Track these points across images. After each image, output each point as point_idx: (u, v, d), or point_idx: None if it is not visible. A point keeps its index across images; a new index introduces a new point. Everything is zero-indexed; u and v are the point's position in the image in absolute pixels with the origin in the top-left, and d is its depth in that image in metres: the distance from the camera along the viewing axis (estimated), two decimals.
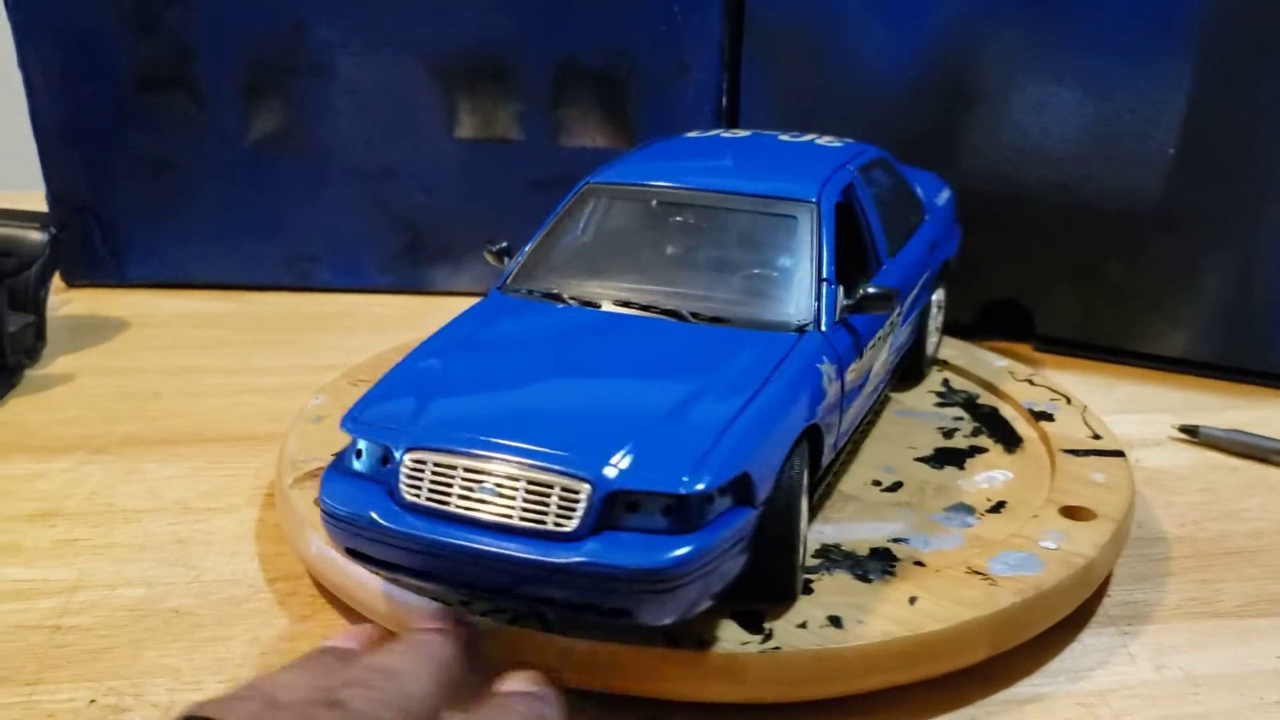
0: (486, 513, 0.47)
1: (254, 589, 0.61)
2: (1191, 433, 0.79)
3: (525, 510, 0.47)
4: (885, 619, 0.52)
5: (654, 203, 0.65)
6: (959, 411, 0.74)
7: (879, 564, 0.57)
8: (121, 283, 1.03)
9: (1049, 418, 0.71)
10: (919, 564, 0.57)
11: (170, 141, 0.99)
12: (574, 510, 0.46)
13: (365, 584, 0.55)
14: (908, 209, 0.74)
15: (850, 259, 0.65)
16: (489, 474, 0.47)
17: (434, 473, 0.48)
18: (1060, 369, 0.90)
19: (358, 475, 0.51)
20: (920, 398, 0.77)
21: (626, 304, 0.59)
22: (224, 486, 0.71)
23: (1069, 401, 0.74)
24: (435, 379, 0.53)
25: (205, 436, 0.77)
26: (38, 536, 0.65)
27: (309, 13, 0.95)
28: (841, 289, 0.59)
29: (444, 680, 0.45)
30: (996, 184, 0.89)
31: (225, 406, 0.82)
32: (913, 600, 0.53)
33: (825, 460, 0.59)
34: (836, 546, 0.59)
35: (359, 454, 0.51)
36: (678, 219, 0.64)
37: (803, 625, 0.51)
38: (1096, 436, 0.68)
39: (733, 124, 0.95)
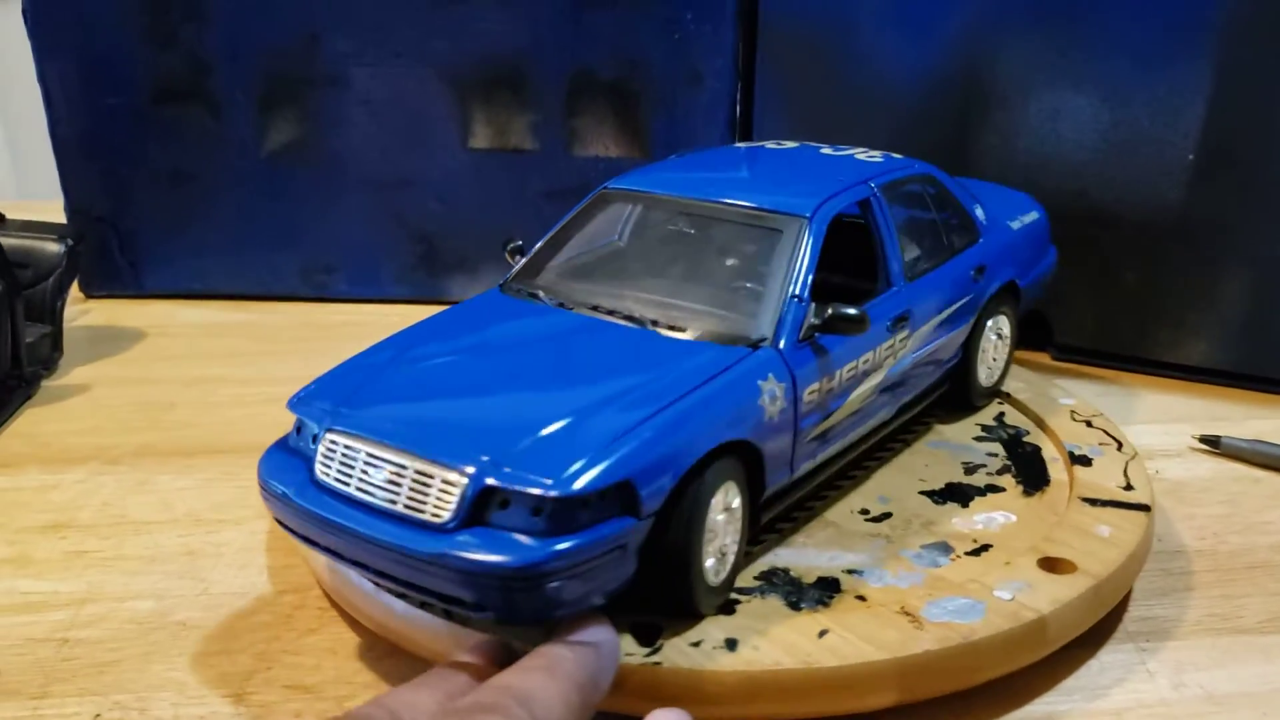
0: (378, 498, 0.49)
1: (262, 602, 0.60)
2: (1213, 443, 0.77)
3: (410, 499, 0.48)
4: (783, 648, 0.50)
5: (656, 211, 0.65)
6: (995, 448, 0.70)
7: (818, 593, 0.55)
8: (139, 293, 1.04)
9: (1086, 462, 0.66)
10: (860, 598, 0.55)
11: (187, 153, 0.99)
12: (449, 502, 0.47)
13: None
14: (951, 230, 0.70)
15: (856, 278, 0.65)
16: (385, 461, 0.49)
17: (342, 455, 0.50)
18: (1079, 378, 0.89)
19: (293, 452, 0.54)
20: (964, 429, 0.73)
21: (595, 308, 0.60)
22: (236, 498, 0.71)
23: (1120, 447, 0.68)
24: (379, 369, 0.56)
25: (219, 448, 0.77)
26: (49, 548, 0.65)
27: (324, 25, 0.95)
28: (814, 307, 0.57)
29: (579, 702, 0.42)
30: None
31: (240, 417, 0.82)
32: (822, 633, 0.51)
33: (774, 481, 0.57)
34: (785, 571, 0.57)
35: (298, 431, 0.54)
36: (673, 228, 0.65)
37: (696, 644, 0.51)
38: (1128, 487, 0.64)
39: (745, 133, 0.95)
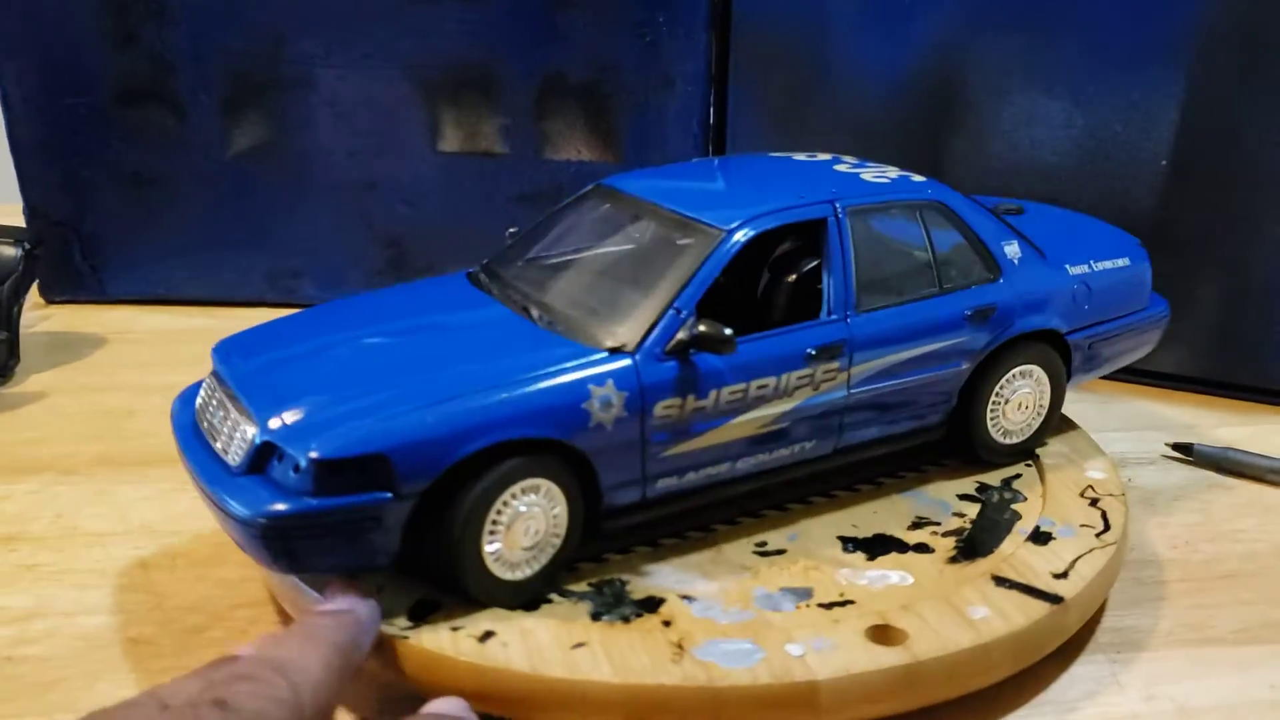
0: (216, 438, 0.54)
1: (216, 616, 0.59)
2: (1185, 450, 0.77)
3: (226, 443, 0.53)
4: (530, 652, 0.50)
5: (619, 210, 0.64)
6: (970, 509, 0.64)
7: (631, 609, 0.55)
8: (101, 299, 1.02)
9: (1044, 540, 0.60)
10: (666, 623, 0.53)
11: (150, 155, 0.98)
12: (242, 451, 0.52)
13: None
14: (948, 265, 0.64)
15: (788, 302, 0.63)
16: (227, 405, 0.55)
17: (207, 394, 0.57)
18: None
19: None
20: (955, 485, 0.66)
21: (507, 297, 0.61)
22: (194, 508, 0.68)
23: (1101, 532, 0.60)
24: (286, 329, 0.61)
25: (177, 456, 0.75)
26: None
27: (290, 25, 0.94)
28: (691, 321, 0.55)
29: (338, 666, 0.45)
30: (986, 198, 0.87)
31: None
32: (578, 645, 0.51)
33: (616, 493, 0.56)
34: (621, 583, 0.57)
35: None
36: (624, 228, 0.64)
37: (456, 629, 0.52)
38: (1061, 575, 0.57)
39: (719, 138, 0.94)
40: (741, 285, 0.67)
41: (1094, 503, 0.63)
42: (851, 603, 0.55)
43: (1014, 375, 0.67)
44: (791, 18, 0.89)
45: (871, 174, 0.66)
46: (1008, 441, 0.68)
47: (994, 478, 0.67)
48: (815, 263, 0.63)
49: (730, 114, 0.94)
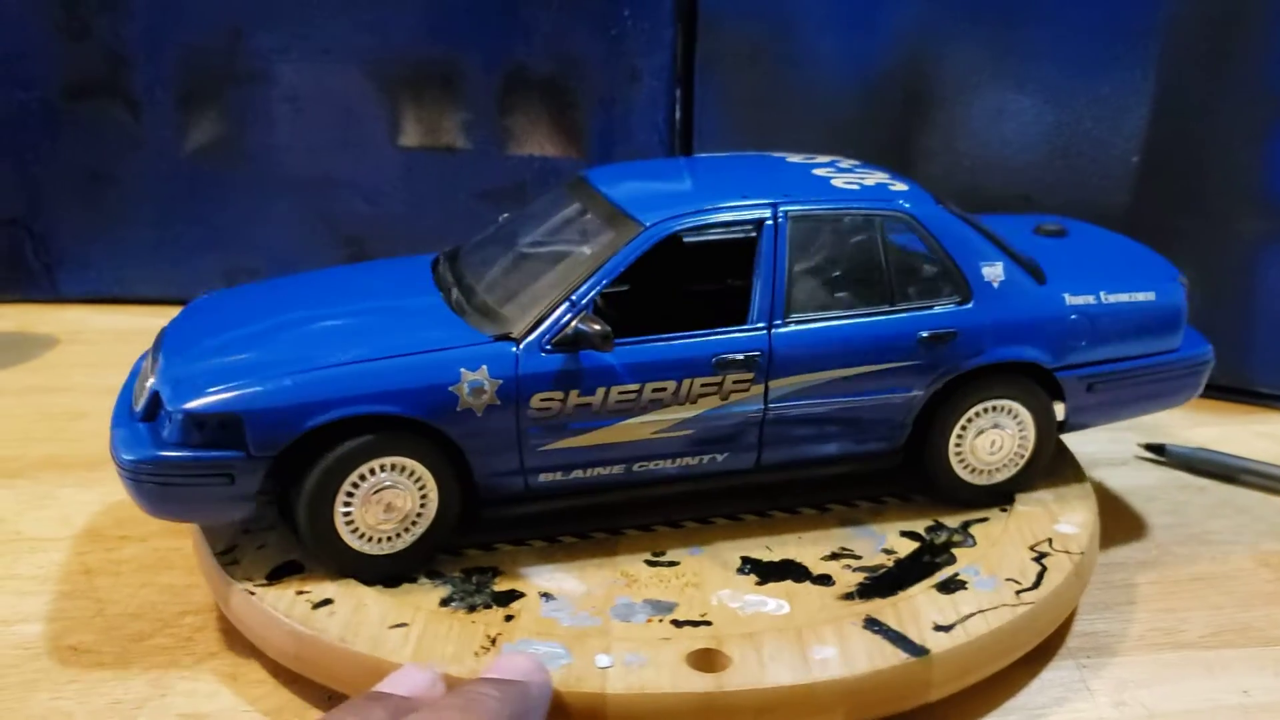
0: (138, 390, 0.58)
1: (161, 623, 0.57)
2: (1158, 451, 0.76)
3: (139, 393, 0.57)
4: (347, 624, 0.52)
5: (580, 202, 0.63)
6: (900, 545, 0.59)
7: (482, 600, 0.54)
8: (54, 298, 0.99)
9: (954, 588, 0.55)
10: (508, 618, 0.53)
11: (105, 152, 0.95)
12: (143, 399, 0.56)
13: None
14: (903, 282, 0.60)
15: (719, 305, 0.60)
16: (152, 360, 0.58)
17: (150, 351, 0.60)
18: None
19: None
20: (906, 521, 0.62)
21: (443, 280, 0.62)
22: (140, 514, 0.66)
23: (1023, 590, 0.55)
24: (237, 296, 0.66)
25: None
26: None
27: (247, 19, 0.91)
28: (583, 316, 0.55)
29: None
30: (956, 195, 0.85)
31: None
32: (398, 625, 0.52)
33: (493, 480, 0.56)
34: (493, 573, 0.56)
35: None
36: (573, 221, 0.62)
37: (301, 593, 0.54)
38: (942, 628, 0.52)
39: (685, 133, 0.92)
40: (686, 285, 0.65)
41: (1040, 558, 0.58)
42: (708, 624, 0.53)
43: (984, 410, 0.61)
44: (758, 12, 0.88)
45: (846, 180, 0.62)
46: (977, 481, 0.63)
47: (957, 518, 0.62)
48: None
49: (697, 109, 0.92)
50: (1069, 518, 0.61)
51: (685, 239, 0.66)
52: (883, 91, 0.86)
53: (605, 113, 0.93)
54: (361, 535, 0.55)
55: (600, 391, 0.55)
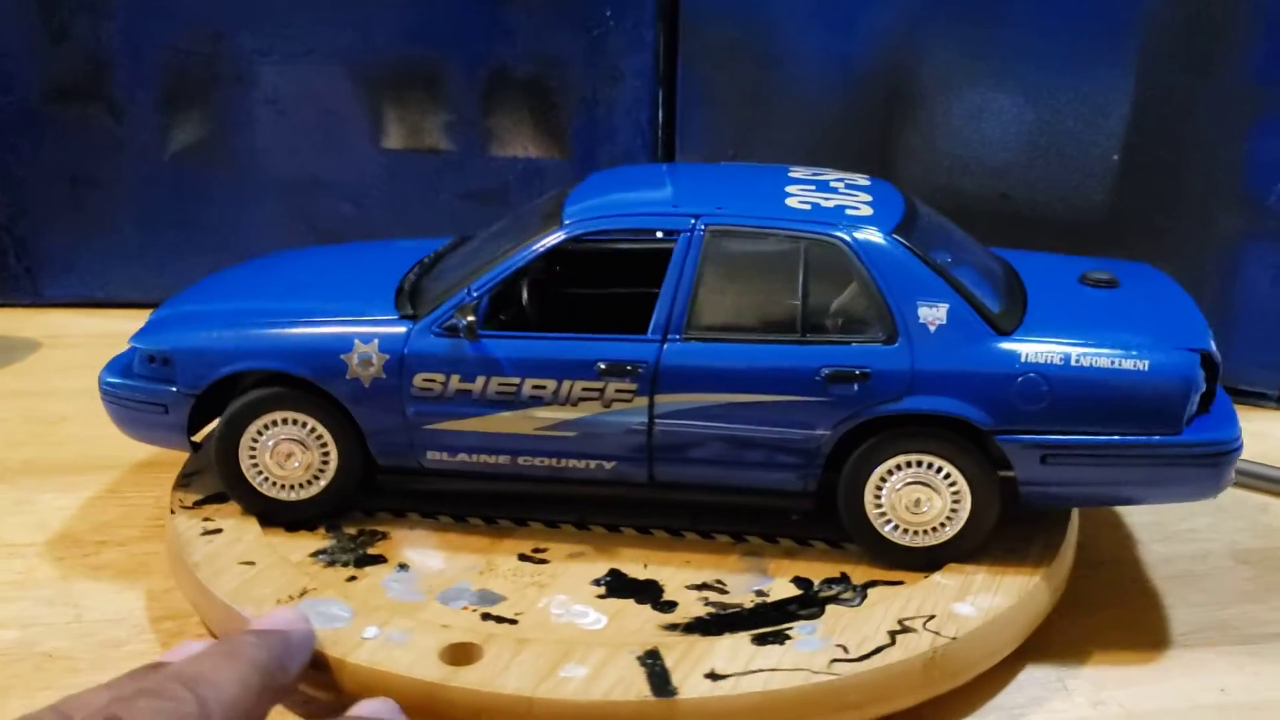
0: None
1: (137, 629, 0.57)
2: None
3: None
4: (213, 555, 0.58)
5: (542, 200, 0.65)
6: (781, 590, 0.57)
7: (348, 558, 0.59)
8: (37, 302, 0.99)
9: (773, 641, 0.52)
10: (350, 579, 0.57)
11: (87, 155, 0.95)
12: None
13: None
14: (818, 315, 0.57)
15: (631, 312, 0.59)
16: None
17: None
18: None
19: None
20: (817, 565, 0.59)
21: (419, 262, 0.66)
22: (120, 517, 0.67)
23: (837, 661, 0.51)
24: (263, 261, 0.74)
25: (108, 464, 0.73)
26: None
27: (228, 21, 0.91)
28: (460, 307, 0.58)
29: (257, 686, 0.43)
30: (936, 194, 0.85)
31: None
32: (246, 564, 0.57)
33: (385, 451, 0.60)
34: (380, 537, 0.61)
35: None
36: (528, 215, 0.64)
37: (205, 519, 0.61)
38: (714, 676, 0.50)
39: (669, 133, 0.92)
40: (617, 289, 0.67)
41: (897, 633, 0.53)
42: (513, 622, 0.54)
43: (907, 463, 0.57)
44: (740, 12, 0.87)
45: (813, 199, 0.60)
46: (904, 543, 0.58)
47: (871, 576, 0.58)
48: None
49: (680, 109, 0.92)
50: (981, 599, 0.55)
51: (628, 244, 0.68)
52: (864, 90, 0.86)
53: (588, 113, 0.93)
54: (267, 480, 0.61)
55: (480, 380, 0.58)
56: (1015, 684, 0.55)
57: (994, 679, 0.55)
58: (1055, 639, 0.57)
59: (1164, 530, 0.67)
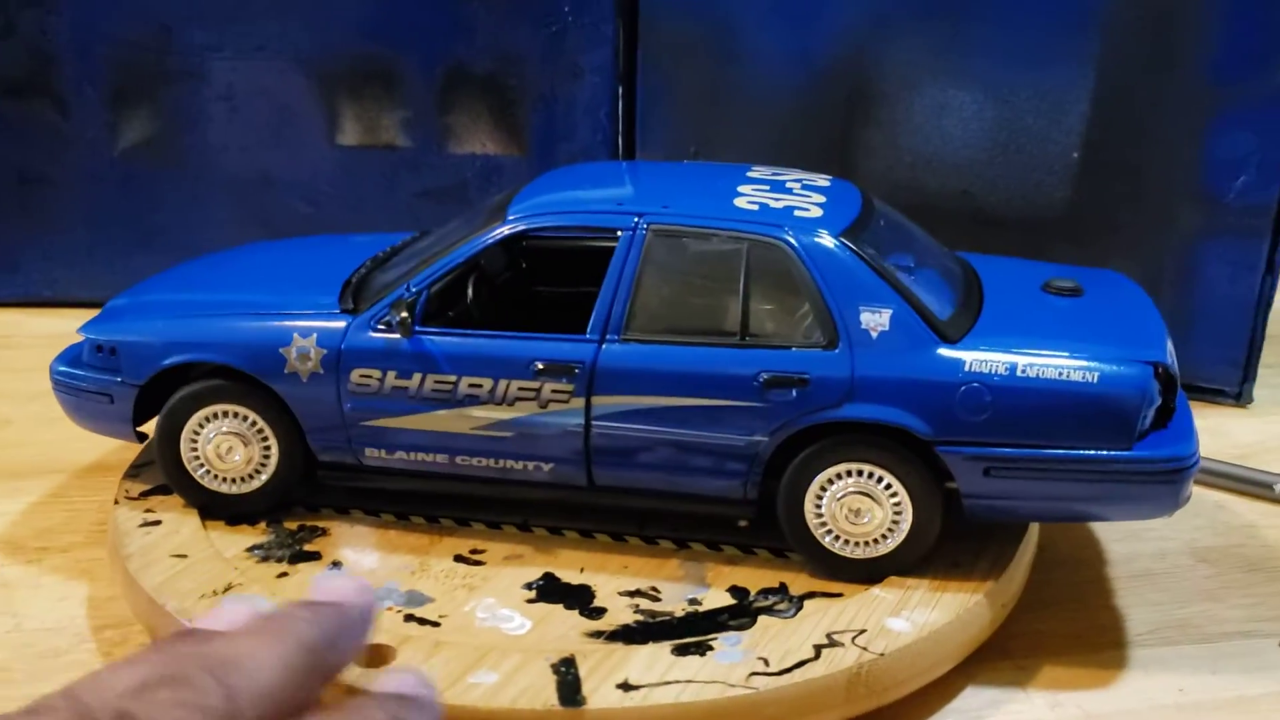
0: None
1: (78, 638, 0.55)
2: None
3: None
4: (147, 547, 0.57)
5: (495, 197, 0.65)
6: (715, 600, 0.55)
7: (282, 554, 0.58)
8: None
9: (692, 652, 0.51)
10: (281, 575, 0.57)
11: (33, 152, 0.93)
12: None
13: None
14: (757, 317, 0.56)
15: (571, 311, 0.59)
16: None
17: None
18: None
19: None
20: (758, 574, 0.57)
21: (373, 257, 0.66)
22: (64, 523, 0.65)
23: (755, 675, 0.49)
24: (203, 261, 0.73)
25: (52, 467, 0.71)
26: None
27: (177, 15, 0.89)
28: (395, 302, 0.58)
29: (303, 668, 0.37)
30: (897, 191, 0.85)
31: (81, 434, 0.75)
32: (179, 556, 0.57)
33: (323, 445, 0.60)
34: (319, 533, 0.60)
35: None
36: (477, 213, 0.65)
37: (146, 510, 0.61)
38: (626, 687, 0.49)
39: (629, 129, 0.91)
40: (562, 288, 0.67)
41: (824, 647, 0.51)
42: (435, 625, 0.53)
43: (846, 472, 0.56)
44: (700, 8, 0.86)
45: (764, 198, 0.58)
46: (845, 554, 0.56)
47: (810, 587, 0.56)
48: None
49: (640, 106, 0.91)
50: (918, 615, 0.53)
51: (581, 243, 0.66)
52: (825, 87, 0.86)
53: (547, 110, 0.92)
54: (208, 473, 0.60)
55: (416, 377, 0.57)
56: (974, 687, 0.54)
57: (951, 683, 0.54)
58: (1012, 640, 0.57)
59: (1123, 529, 0.67)
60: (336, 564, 0.58)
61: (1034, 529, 0.61)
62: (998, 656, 0.56)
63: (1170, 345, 0.57)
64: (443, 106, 0.92)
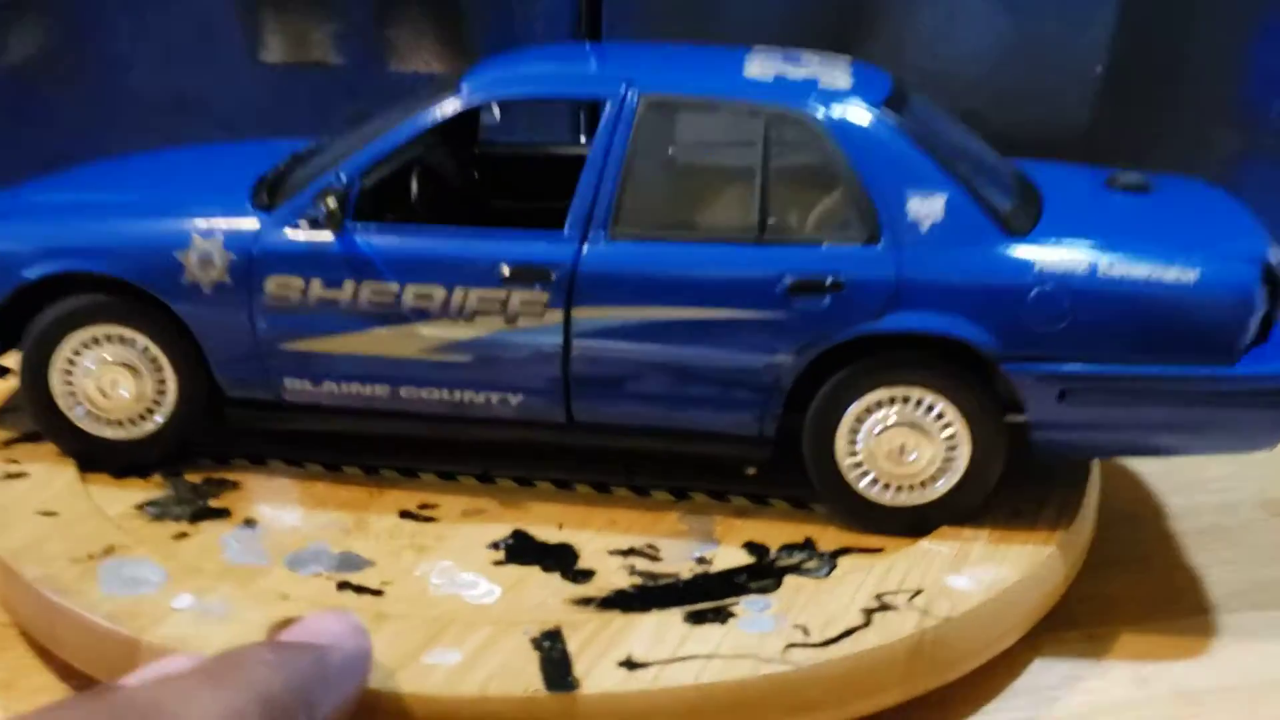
0: None
1: None
2: None
3: None
4: (9, 506, 0.48)
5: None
6: (729, 558, 0.47)
7: (180, 510, 0.49)
8: None
9: (710, 620, 0.42)
10: (181, 535, 0.48)
11: None
12: None
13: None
14: (779, 206, 0.47)
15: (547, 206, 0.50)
16: None
17: None
18: None
19: None
20: (778, 529, 0.49)
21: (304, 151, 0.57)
22: None
23: (800, 645, 0.41)
24: (107, 163, 0.61)
25: None
26: None
27: None
28: (323, 190, 0.48)
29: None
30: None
31: None
32: (47, 514, 0.47)
33: (233, 376, 0.50)
34: (229, 486, 0.51)
35: None
36: (426, 91, 0.56)
37: (13, 462, 0.51)
38: (630, 665, 0.40)
39: (594, 38, 0.82)
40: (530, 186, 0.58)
41: (874, 611, 0.42)
42: (378, 594, 0.45)
43: (889, 400, 0.47)
44: None
45: (775, 70, 0.49)
46: (886, 501, 0.48)
47: (842, 542, 0.48)
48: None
49: (606, 22, 0.83)
50: (979, 570, 0.45)
51: (539, 149, 0.60)
52: None
53: (502, 23, 0.83)
54: (88, 414, 0.51)
55: (349, 285, 0.48)
56: (1040, 660, 0.46)
57: (1016, 657, 0.46)
58: (1079, 605, 0.49)
59: (1179, 479, 0.58)
60: (250, 522, 0.49)
61: (1097, 471, 0.52)
62: (1064, 625, 0.47)
63: (1274, 245, 0.48)
64: (381, 18, 0.83)
